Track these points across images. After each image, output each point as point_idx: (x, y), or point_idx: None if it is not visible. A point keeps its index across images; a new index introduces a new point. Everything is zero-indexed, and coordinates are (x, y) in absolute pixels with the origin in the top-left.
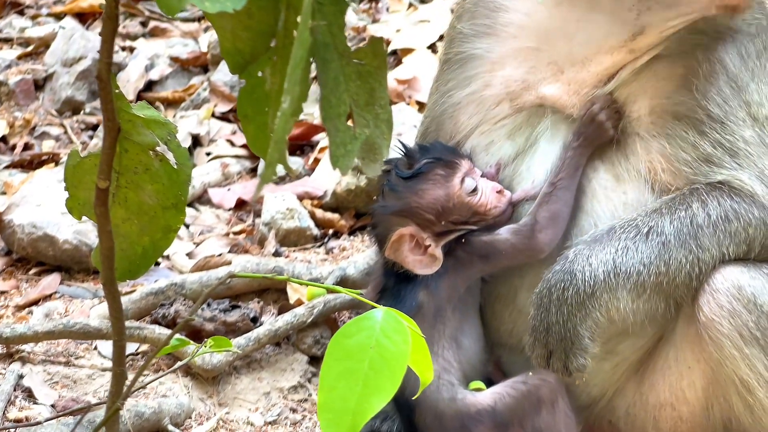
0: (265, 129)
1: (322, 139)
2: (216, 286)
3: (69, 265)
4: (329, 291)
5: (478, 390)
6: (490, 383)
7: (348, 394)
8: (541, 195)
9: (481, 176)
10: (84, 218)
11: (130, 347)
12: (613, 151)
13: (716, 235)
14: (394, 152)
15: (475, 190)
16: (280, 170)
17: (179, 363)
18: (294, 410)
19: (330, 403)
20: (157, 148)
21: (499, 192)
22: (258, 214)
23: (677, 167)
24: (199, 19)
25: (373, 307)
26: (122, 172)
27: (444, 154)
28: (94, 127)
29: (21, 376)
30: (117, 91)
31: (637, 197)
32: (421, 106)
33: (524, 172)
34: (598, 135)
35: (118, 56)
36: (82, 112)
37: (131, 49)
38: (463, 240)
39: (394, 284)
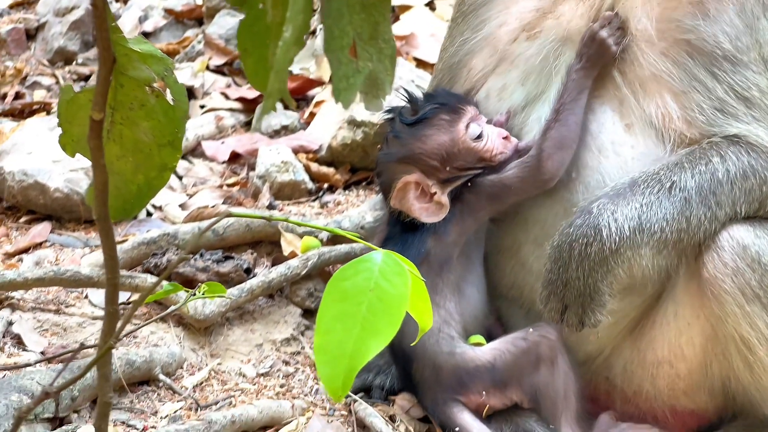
0: (265, 62)
1: (318, 93)
2: (213, 223)
3: (60, 213)
4: (325, 242)
5: (478, 345)
6: (489, 336)
7: (345, 336)
8: (546, 122)
9: (490, 122)
10: (75, 166)
11: (122, 296)
12: (624, 93)
13: (733, 191)
14: (399, 101)
15: (480, 135)
16: (276, 123)
17: (172, 308)
18: (287, 362)
19: (326, 345)
20: (154, 84)
21: (505, 138)
22: (252, 168)
23: (691, 115)
24: None
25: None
26: (117, 108)
27: (449, 100)
28: (86, 78)
29: (10, 323)
30: (113, 24)
31: (647, 151)
32: (418, 62)
33: (533, 122)
34: (601, 53)
35: (112, 7)
36: (74, 62)
37: (125, 0)
38: (470, 183)
39: (399, 233)
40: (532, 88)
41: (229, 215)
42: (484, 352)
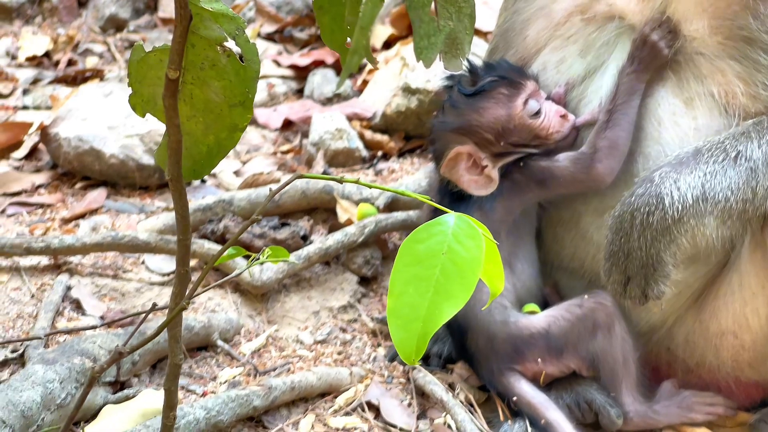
0: (341, 20)
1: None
2: (283, 186)
3: (115, 179)
4: (382, 209)
5: (532, 313)
6: (546, 308)
7: (418, 300)
8: (598, 123)
9: (548, 97)
10: (131, 132)
11: None
12: (682, 74)
13: None
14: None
15: (538, 112)
16: (328, 90)
17: (235, 272)
18: (344, 330)
19: (399, 309)
20: (225, 44)
21: (563, 116)
22: (305, 135)
23: (755, 91)
24: None
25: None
26: (188, 68)
27: (509, 73)
28: None
29: (69, 288)
30: None
31: (708, 123)
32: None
33: (592, 93)
34: (653, 56)
35: None
36: (125, 29)
37: None
38: (522, 163)
39: (448, 204)
40: (591, 60)
41: (301, 176)
42: (539, 319)
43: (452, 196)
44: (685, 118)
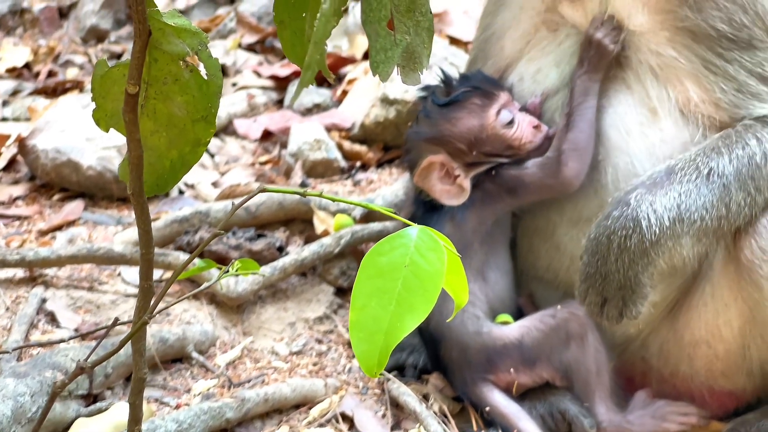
0: (302, 35)
1: (350, 71)
2: (248, 198)
3: (93, 191)
4: (358, 220)
5: (505, 323)
6: (521, 318)
7: (380, 313)
8: (560, 127)
9: (524, 108)
10: (108, 144)
11: (155, 274)
12: (642, 79)
13: None
14: (435, 79)
15: (511, 122)
16: (308, 101)
17: (205, 284)
18: (319, 341)
19: (362, 321)
20: (188, 59)
21: (535, 127)
22: (284, 146)
23: (714, 97)
24: None
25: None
26: (151, 83)
27: (482, 84)
28: (119, 56)
29: (44, 300)
30: None
31: (675, 133)
32: (451, 40)
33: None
34: (600, 55)
35: None
36: (106, 40)
37: None
38: (493, 172)
39: (422, 214)
40: (565, 70)
41: (263, 191)
42: (512, 329)
43: (426, 206)
44: (652, 129)
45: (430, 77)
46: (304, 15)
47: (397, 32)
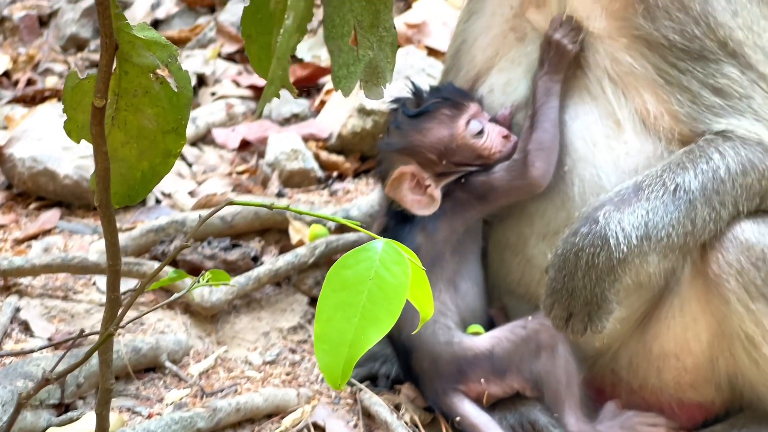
0: (269, 49)
1: (328, 81)
2: (212, 213)
3: (69, 200)
4: (333, 231)
5: (476, 334)
6: (492, 329)
7: (345, 325)
8: (524, 130)
9: (494, 119)
10: (85, 153)
11: (130, 283)
12: (606, 93)
13: (734, 189)
14: (405, 92)
15: (480, 132)
16: (286, 111)
17: (176, 295)
18: (293, 351)
19: (327, 334)
20: (158, 71)
21: (505, 137)
22: (262, 155)
23: (672, 109)
24: None
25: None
26: (122, 95)
27: (452, 95)
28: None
29: (18, 309)
30: (117, 10)
31: (640, 147)
32: (430, 50)
33: None
34: (560, 55)
35: None
36: (86, 49)
37: None
38: (463, 181)
39: (394, 225)
40: None
41: (231, 203)
42: (483, 340)
43: (398, 217)
44: (618, 142)
45: (404, 89)
46: (271, 30)
47: (360, 47)
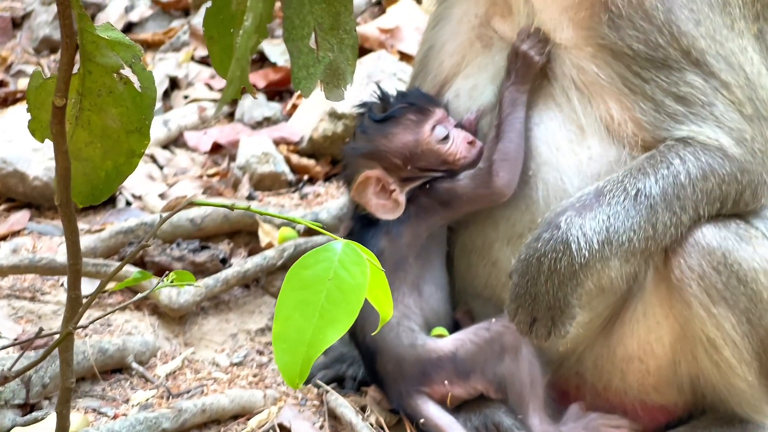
0: (230, 51)
1: None
2: (172, 214)
3: (39, 202)
4: (302, 233)
5: (440, 336)
6: (458, 331)
7: (303, 325)
8: (489, 140)
9: (460, 124)
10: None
11: (97, 284)
12: (571, 100)
13: (695, 194)
14: (372, 96)
15: (445, 138)
16: (258, 114)
17: (139, 295)
18: (260, 352)
19: (285, 333)
20: (122, 71)
21: (470, 142)
22: (233, 158)
23: (635, 116)
24: None
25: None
26: (85, 95)
27: (418, 100)
28: None
29: None
30: (81, 11)
31: (603, 152)
32: (402, 55)
33: None
34: (527, 66)
35: None
36: (59, 51)
37: None
38: (427, 186)
39: (359, 229)
40: (501, 86)
41: (192, 204)
42: (446, 342)
43: (363, 221)
44: (581, 147)
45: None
46: (232, 31)
47: (320, 49)
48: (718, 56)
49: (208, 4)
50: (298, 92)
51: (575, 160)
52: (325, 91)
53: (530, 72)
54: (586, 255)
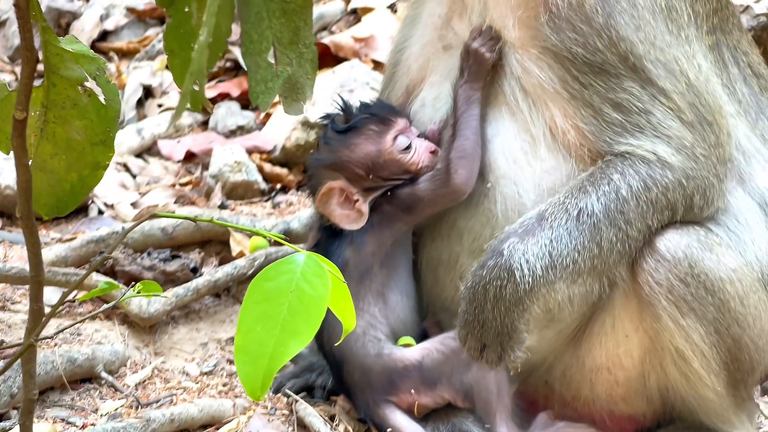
0: (190, 64)
1: None
2: (134, 225)
3: (10, 210)
4: (273, 243)
5: (407, 345)
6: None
7: (265, 337)
8: (446, 140)
9: (422, 134)
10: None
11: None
12: (521, 107)
13: (639, 206)
14: (335, 107)
15: (408, 148)
16: (232, 123)
17: (105, 306)
18: (231, 362)
19: (247, 345)
20: (86, 84)
21: (432, 152)
22: (206, 167)
23: (576, 124)
24: None
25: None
26: (50, 107)
27: (380, 111)
28: None
29: None
30: (44, 24)
31: (556, 165)
32: (376, 64)
33: None
34: (479, 64)
35: (74, 5)
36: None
37: None
38: (389, 193)
39: (325, 239)
40: None
41: (154, 216)
42: (413, 351)
43: (328, 232)
44: (536, 159)
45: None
46: (192, 45)
47: (279, 63)
48: (657, 62)
49: (169, 18)
50: (276, 100)
51: (530, 173)
52: (284, 105)
53: (482, 69)
54: (530, 281)
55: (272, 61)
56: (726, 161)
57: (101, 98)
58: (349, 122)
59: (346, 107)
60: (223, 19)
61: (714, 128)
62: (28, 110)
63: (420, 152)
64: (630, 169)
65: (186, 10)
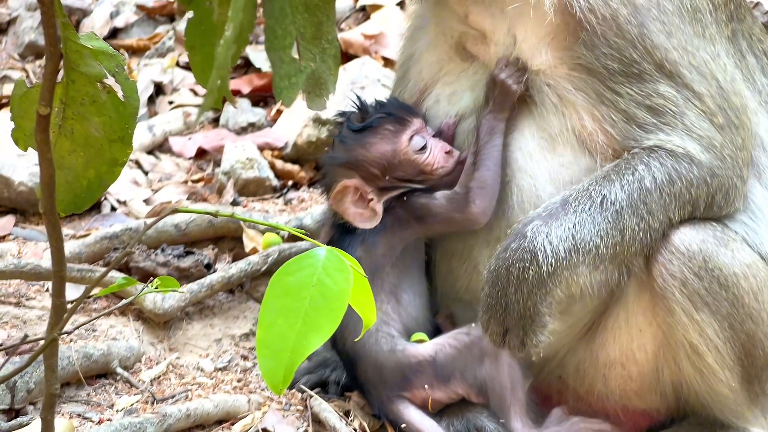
0: (211, 60)
1: None
2: (156, 220)
3: (24, 207)
4: (286, 239)
5: (420, 341)
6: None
7: (287, 331)
8: (466, 165)
9: (439, 129)
10: None
11: (82, 290)
12: (543, 110)
13: (662, 198)
14: (350, 106)
15: (423, 148)
16: (243, 120)
17: (123, 301)
18: (245, 357)
19: (268, 339)
20: (105, 81)
21: (447, 152)
22: (218, 164)
23: (605, 128)
24: None
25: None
26: (69, 104)
27: (396, 110)
28: None
29: None
30: (64, 20)
31: (574, 160)
32: (386, 61)
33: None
34: (505, 94)
35: (84, 2)
36: (44, 57)
37: None
38: (405, 197)
39: (337, 237)
40: (479, 95)
41: (176, 211)
42: (426, 347)
43: (340, 229)
44: (553, 154)
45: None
46: (213, 41)
47: (303, 59)
48: (691, 67)
49: (191, 14)
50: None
51: (547, 166)
52: (307, 100)
53: (508, 100)
54: (553, 263)
55: (296, 56)
56: (749, 163)
57: (120, 95)
58: (364, 121)
59: (362, 106)
60: (246, 15)
61: (740, 131)
62: (51, 106)
63: (435, 153)
64: (656, 161)
65: (207, 5)
